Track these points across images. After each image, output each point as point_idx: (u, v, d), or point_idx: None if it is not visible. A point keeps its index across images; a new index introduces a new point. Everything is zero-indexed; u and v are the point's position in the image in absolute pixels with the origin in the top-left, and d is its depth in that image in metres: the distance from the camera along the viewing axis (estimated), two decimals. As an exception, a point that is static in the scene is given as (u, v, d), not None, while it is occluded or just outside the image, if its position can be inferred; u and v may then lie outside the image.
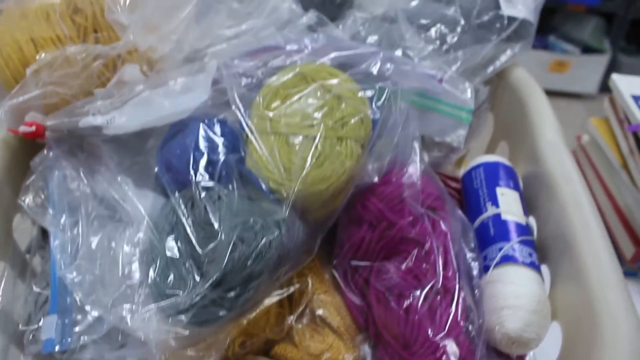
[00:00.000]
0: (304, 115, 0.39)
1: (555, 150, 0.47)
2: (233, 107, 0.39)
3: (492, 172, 0.50)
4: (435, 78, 0.42)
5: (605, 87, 2.29)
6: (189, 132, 0.40)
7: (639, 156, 0.73)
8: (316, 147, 0.38)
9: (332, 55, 0.41)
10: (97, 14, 0.43)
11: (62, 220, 0.43)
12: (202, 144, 0.39)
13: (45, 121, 0.44)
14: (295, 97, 0.40)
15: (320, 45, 0.42)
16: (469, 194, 0.50)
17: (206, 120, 0.40)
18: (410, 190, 0.40)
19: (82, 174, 0.43)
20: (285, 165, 0.38)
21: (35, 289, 0.44)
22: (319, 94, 0.40)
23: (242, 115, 0.40)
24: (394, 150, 0.41)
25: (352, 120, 0.39)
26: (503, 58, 0.56)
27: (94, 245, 0.40)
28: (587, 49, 2.16)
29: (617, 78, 0.82)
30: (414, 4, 0.52)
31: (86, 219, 0.42)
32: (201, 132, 0.40)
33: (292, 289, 0.41)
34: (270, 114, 0.39)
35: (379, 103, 0.40)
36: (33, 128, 0.41)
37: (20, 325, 0.42)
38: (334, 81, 0.40)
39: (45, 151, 0.44)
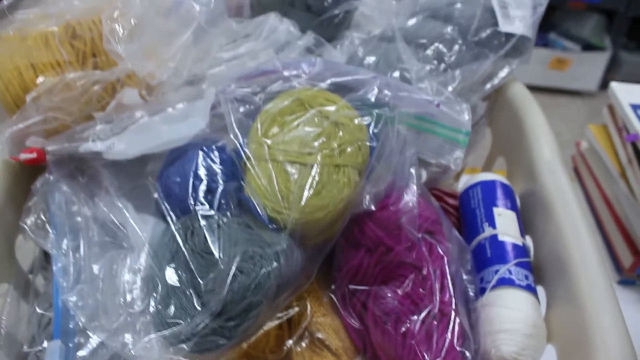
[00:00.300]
0: (301, 143, 0.39)
1: (552, 170, 0.48)
2: (231, 134, 0.40)
3: (489, 192, 0.50)
4: (433, 103, 0.42)
5: (605, 85, 2.29)
6: (188, 159, 0.40)
7: (637, 166, 0.74)
8: (314, 175, 0.39)
9: (330, 81, 0.41)
10: (96, 38, 0.44)
11: (64, 243, 0.43)
12: (201, 172, 0.40)
13: (45, 145, 0.44)
14: (293, 124, 0.40)
15: (317, 70, 0.42)
16: (467, 214, 0.50)
17: (205, 148, 0.40)
18: (408, 216, 0.41)
19: (82, 198, 0.44)
20: (283, 194, 0.38)
21: (39, 310, 0.44)
22: (316, 120, 0.40)
23: (240, 143, 0.40)
24: (391, 175, 0.41)
25: (350, 148, 0.40)
26: (501, 74, 0.57)
27: (95, 271, 0.41)
28: (587, 46, 2.16)
29: (615, 86, 0.82)
30: (411, 22, 0.52)
31: (88, 244, 0.42)
32: (200, 160, 0.40)
33: (291, 312, 0.42)
34: (268, 141, 0.40)
35: (376, 130, 0.40)
36: (34, 155, 0.42)
37: (24, 347, 0.43)
38: (332, 108, 0.40)
39: (46, 174, 0.45)
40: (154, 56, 0.41)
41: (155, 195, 0.42)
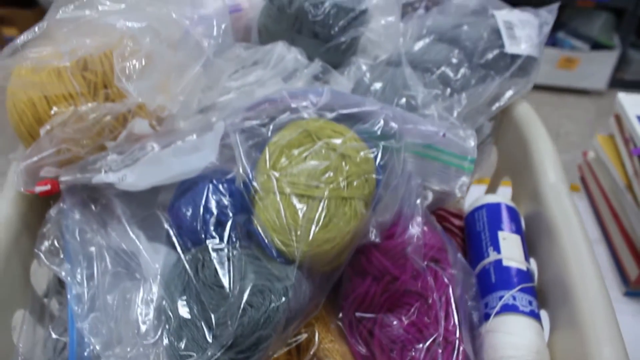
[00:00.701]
0: (309, 176, 0.40)
1: (557, 195, 0.48)
2: (239, 167, 0.40)
3: (495, 215, 0.51)
4: (439, 134, 0.42)
5: (614, 83, 2.27)
6: (198, 191, 0.41)
7: (643, 179, 0.74)
8: (321, 208, 0.39)
9: (337, 113, 0.42)
10: (107, 70, 0.44)
11: (78, 272, 0.44)
12: (211, 205, 0.41)
13: (59, 176, 0.45)
14: (301, 157, 0.41)
15: (325, 101, 0.43)
16: (472, 236, 0.51)
17: (214, 180, 0.41)
18: (413, 246, 0.42)
19: (96, 227, 0.45)
20: (291, 227, 0.39)
21: (54, 335, 0.46)
22: (324, 152, 0.41)
23: (248, 176, 0.41)
24: (397, 206, 0.42)
25: (357, 181, 0.40)
26: (507, 95, 0.57)
27: (109, 300, 0.42)
28: (596, 45, 2.14)
29: (622, 97, 0.82)
30: (418, 46, 0.53)
31: (101, 272, 0.43)
32: (210, 192, 0.41)
33: (300, 339, 0.43)
34: (276, 174, 0.41)
35: (382, 162, 0.41)
36: (48, 187, 0.43)
37: (40, 372, 0.45)
38: (339, 140, 0.41)
39: (60, 204, 0.46)
40: (165, 89, 0.42)
41: (166, 226, 0.43)
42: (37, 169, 0.44)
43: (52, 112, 0.45)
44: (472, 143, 0.46)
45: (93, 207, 0.46)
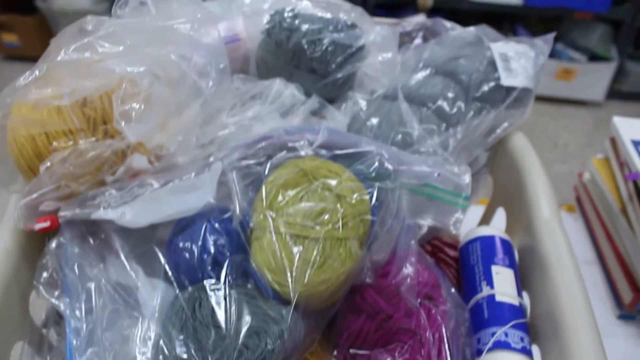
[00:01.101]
0: (305, 216, 0.41)
1: (550, 231, 0.49)
2: (236, 207, 0.41)
3: (488, 248, 0.51)
4: (433, 175, 0.43)
5: (611, 95, 2.29)
6: (196, 230, 0.42)
7: (638, 204, 0.75)
8: (317, 249, 0.40)
9: (333, 152, 0.43)
10: (107, 107, 0.45)
11: (77, 305, 0.45)
12: (209, 244, 0.41)
13: (58, 208, 0.46)
14: (297, 197, 0.42)
15: (321, 140, 0.44)
16: (466, 270, 0.52)
17: (212, 219, 0.42)
18: (407, 285, 0.42)
19: (94, 261, 0.46)
20: (286, 268, 0.40)
21: (52, 366, 0.46)
22: (320, 193, 0.42)
23: (245, 216, 0.42)
24: (392, 245, 0.43)
25: (352, 221, 0.41)
26: (503, 126, 0.58)
27: (108, 335, 0.43)
28: (594, 57, 2.16)
29: (617, 121, 0.83)
30: (414, 80, 0.53)
31: (100, 307, 0.44)
32: (207, 232, 0.42)
33: (295, 375, 0.43)
34: (273, 214, 0.41)
35: (377, 203, 0.42)
36: (47, 223, 0.43)
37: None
38: (335, 181, 0.42)
39: (60, 237, 0.47)
40: (163, 129, 0.42)
41: (164, 263, 0.43)
42: (36, 205, 0.44)
43: (52, 146, 0.45)
44: (466, 180, 0.47)
45: (91, 241, 0.47)
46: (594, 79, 2.20)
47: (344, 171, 0.43)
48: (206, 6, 0.65)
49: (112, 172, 0.46)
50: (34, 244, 0.49)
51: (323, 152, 0.44)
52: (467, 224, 0.56)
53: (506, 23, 2.36)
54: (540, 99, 2.28)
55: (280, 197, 0.42)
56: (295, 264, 0.40)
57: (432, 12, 2.23)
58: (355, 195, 0.42)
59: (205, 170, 0.43)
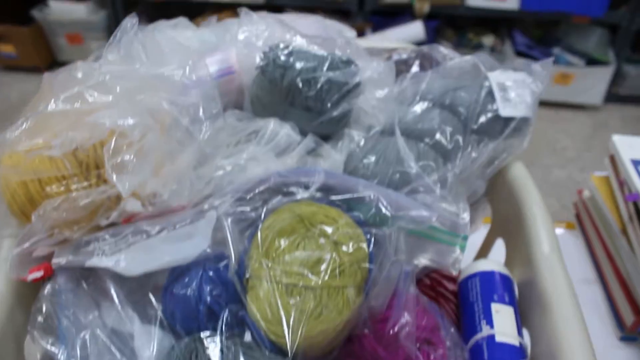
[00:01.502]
0: (302, 264, 0.40)
1: (551, 267, 0.48)
2: (232, 257, 0.40)
3: (488, 284, 0.51)
4: (431, 219, 0.42)
5: (609, 98, 2.28)
6: (191, 279, 0.41)
7: (638, 225, 0.74)
8: (314, 299, 0.39)
9: (328, 200, 0.42)
10: (99, 152, 0.44)
11: (72, 353, 0.44)
12: (204, 294, 0.41)
13: (52, 253, 0.45)
14: (293, 244, 0.41)
15: (318, 183, 0.43)
16: (465, 307, 0.51)
17: (207, 268, 0.41)
18: (406, 332, 0.42)
19: (90, 308, 0.45)
20: (283, 319, 0.39)
21: (47, 413, 0.46)
22: (316, 240, 0.41)
23: (240, 263, 0.41)
24: (390, 290, 0.42)
25: (349, 269, 0.40)
26: (503, 156, 0.57)
27: (103, 386, 0.42)
28: (591, 61, 2.15)
29: (617, 140, 0.82)
30: (412, 115, 0.53)
31: (96, 356, 0.43)
32: (203, 282, 0.41)
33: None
34: (269, 262, 0.41)
35: (375, 249, 0.41)
36: (41, 273, 0.43)
37: None
38: (332, 228, 0.41)
39: (55, 284, 0.46)
40: (157, 175, 0.42)
41: (159, 312, 0.43)
42: (29, 253, 0.43)
43: (45, 192, 0.45)
44: (465, 219, 0.46)
45: (86, 286, 0.46)
46: (592, 83, 2.20)
47: (341, 216, 0.42)
48: (201, 34, 0.64)
49: (107, 217, 0.46)
50: (29, 287, 0.48)
51: (319, 195, 0.44)
52: (466, 251, 0.55)
53: (503, 28, 2.36)
54: (539, 103, 2.28)
55: (276, 245, 0.41)
56: (292, 315, 0.39)
57: (428, 18, 2.23)
58: (352, 243, 0.41)
59: (200, 218, 0.42)
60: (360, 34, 2.12)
